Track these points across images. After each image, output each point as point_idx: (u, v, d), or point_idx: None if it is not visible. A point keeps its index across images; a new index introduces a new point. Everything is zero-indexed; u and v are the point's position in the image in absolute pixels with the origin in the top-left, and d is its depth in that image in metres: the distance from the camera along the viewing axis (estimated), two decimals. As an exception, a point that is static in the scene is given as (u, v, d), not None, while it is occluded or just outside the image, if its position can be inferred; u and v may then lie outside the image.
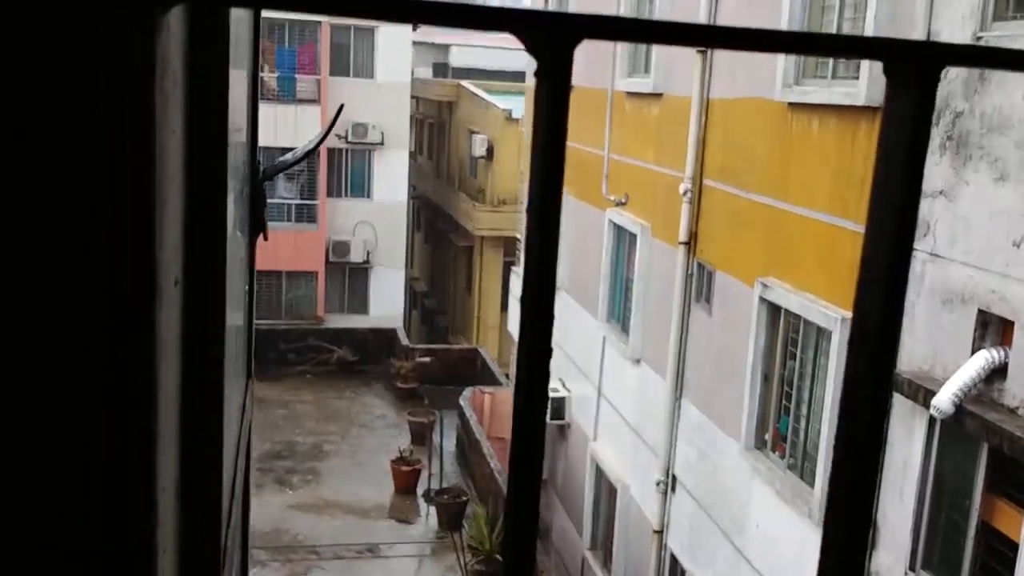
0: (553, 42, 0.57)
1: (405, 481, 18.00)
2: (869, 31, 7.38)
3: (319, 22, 25.42)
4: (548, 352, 0.59)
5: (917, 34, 6.88)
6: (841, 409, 0.64)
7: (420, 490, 18.04)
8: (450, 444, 19.58)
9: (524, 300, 0.58)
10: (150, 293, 0.52)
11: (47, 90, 0.47)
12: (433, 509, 17.19)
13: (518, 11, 0.56)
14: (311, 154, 3.11)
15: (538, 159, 0.57)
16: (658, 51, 11.56)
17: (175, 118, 0.64)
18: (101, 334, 0.50)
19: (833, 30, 8.21)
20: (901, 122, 0.62)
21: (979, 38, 6.40)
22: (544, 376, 0.59)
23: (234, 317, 1.42)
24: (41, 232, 0.48)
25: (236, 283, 1.36)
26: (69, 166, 0.49)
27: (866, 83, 7.42)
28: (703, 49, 10.28)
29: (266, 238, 1.68)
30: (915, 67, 0.62)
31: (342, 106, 2.79)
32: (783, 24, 8.62)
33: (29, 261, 0.49)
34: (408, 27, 26.89)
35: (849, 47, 0.64)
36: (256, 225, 1.59)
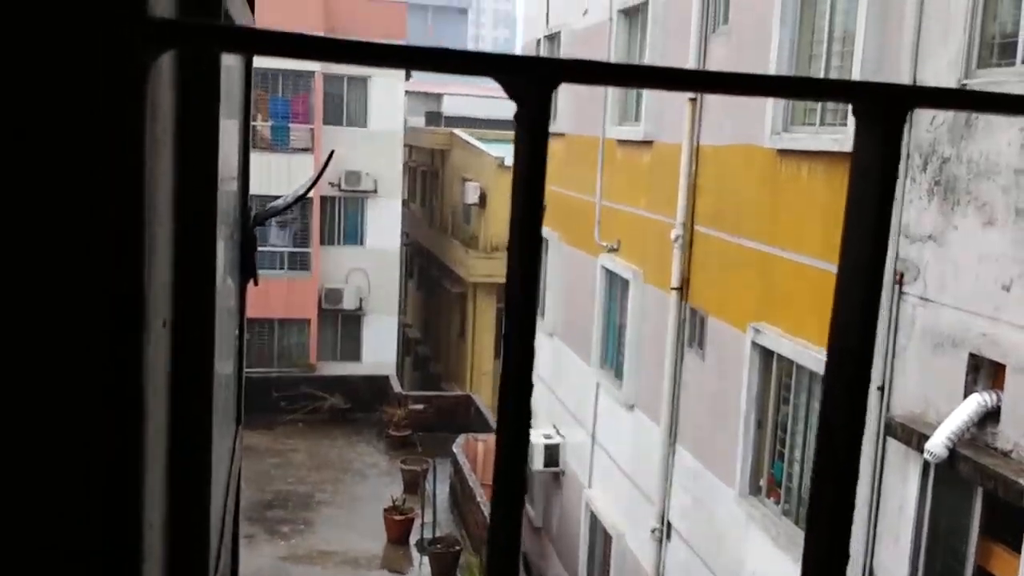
0: (531, 85, 0.59)
1: (398, 531, 17.81)
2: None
3: (312, 72, 25.69)
4: (529, 387, 0.60)
5: (902, 82, 6.99)
6: (817, 446, 0.65)
7: (413, 540, 17.83)
8: (443, 492, 19.41)
9: (506, 338, 0.59)
10: (138, 331, 0.53)
11: (36, 131, 0.49)
12: (426, 559, 16.98)
13: (497, 56, 0.58)
14: (301, 199, 3.13)
15: (518, 199, 0.58)
16: (648, 99, 11.70)
17: (165, 162, 0.66)
18: (88, 367, 0.50)
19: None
20: (870, 162, 0.64)
21: (964, 84, 6.50)
22: (526, 410, 0.60)
23: (224, 361, 1.42)
24: (29, 268, 0.49)
25: (226, 327, 1.36)
26: (58, 208, 0.50)
27: (853, 130, 7.50)
28: (693, 97, 10.44)
29: (256, 283, 1.69)
30: (882, 108, 0.64)
31: (332, 152, 2.82)
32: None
33: (12, 298, 0.50)
34: (401, 76, 27.17)
35: (819, 89, 0.66)
36: (247, 270, 1.60)
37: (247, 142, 1.85)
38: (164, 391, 0.73)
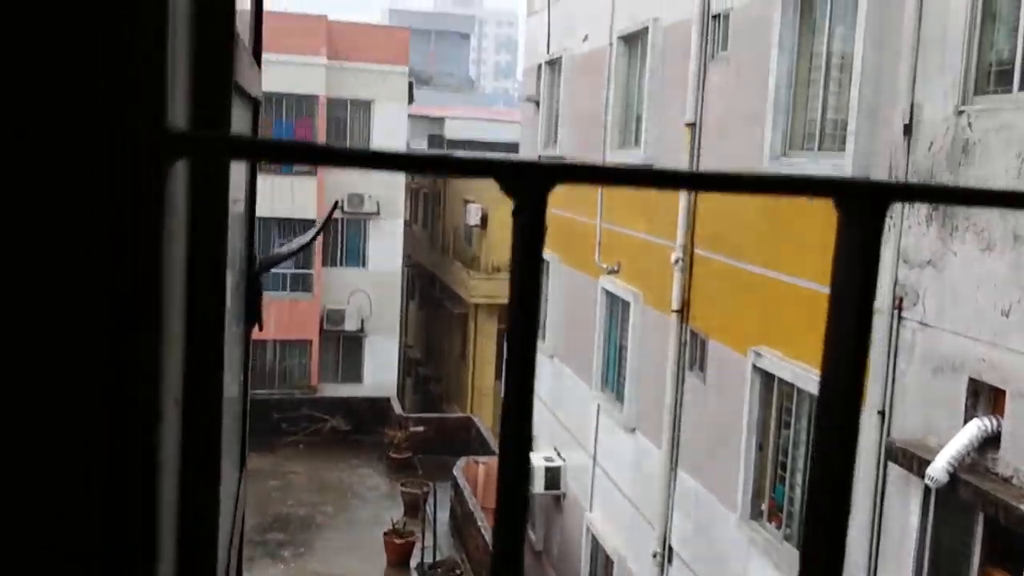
0: (530, 187, 0.62)
1: (398, 554, 17.74)
2: (853, 107, 7.55)
3: (316, 96, 25.82)
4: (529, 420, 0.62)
5: (900, 108, 7.04)
6: (812, 471, 0.67)
7: (413, 563, 17.76)
8: (444, 515, 19.35)
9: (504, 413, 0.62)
10: (155, 415, 0.56)
11: (60, 234, 0.52)
12: (427, 582, 16.90)
13: (497, 160, 0.61)
14: (305, 248, 3.17)
15: (514, 295, 0.61)
16: (649, 123, 11.77)
17: (178, 251, 0.69)
18: (105, 449, 0.53)
19: (818, 106, 8.39)
20: (852, 254, 0.67)
21: (961, 111, 6.55)
22: (527, 438, 0.63)
23: (228, 412, 1.45)
24: (55, 361, 0.51)
25: (232, 376, 1.39)
26: (79, 304, 0.53)
27: (852, 155, 7.56)
28: (692, 121, 10.51)
29: (261, 328, 1.72)
30: (864, 203, 0.67)
31: (337, 202, 2.86)
32: (769, 102, 8.81)
33: (32, 385, 0.52)
34: (404, 100, 27.33)
35: (801, 186, 0.69)
36: (251, 317, 1.63)
37: (254, 187, 1.89)
38: (175, 465, 0.75)
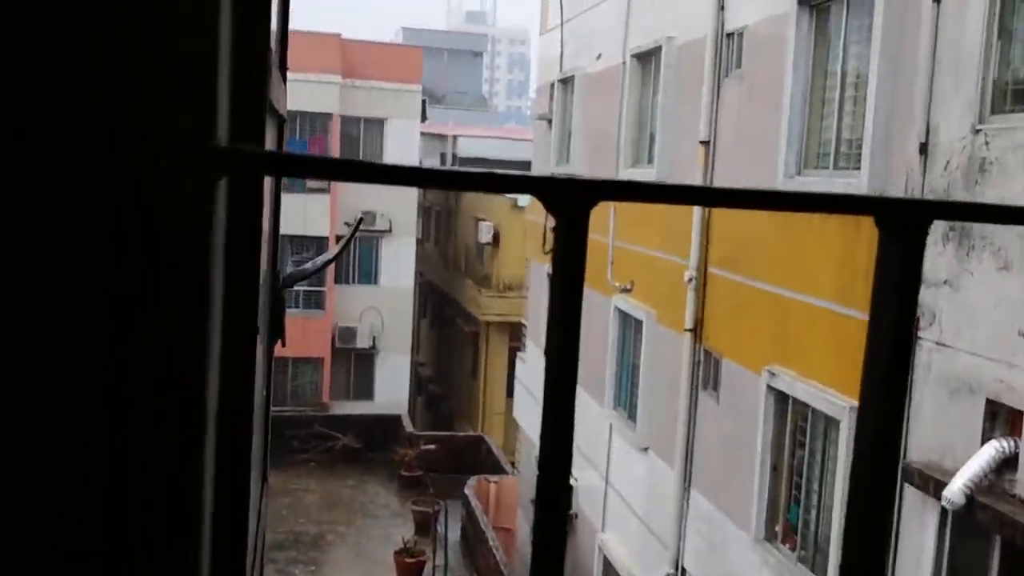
0: (572, 203, 0.62)
1: (409, 573, 17.67)
2: (868, 126, 7.54)
3: (330, 114, 25.97)
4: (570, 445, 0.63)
5: (916, 127, 7.03)
6: (849, 505, 0.67)
7: (425, 582, 17.68)
8: (455, 535, 19.27)
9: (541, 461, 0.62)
10: (200, 432, 0.56)
11: (116, 248, 0.52)
12: (438, 601, 16.83)
13: (541, 178, 0.61)
14: (330, 264, 3.18)
15: (556, 313, 0.61)
16: (662, 141, 11.78)
17: (218, 266, 0.69)
18: (150, 464, 0.53)
19: (833, 125, 8.38)
20: (893, 271, 0.67)
21: (978, 130, 6.53)
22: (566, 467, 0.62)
23: (253, 428, 1.45)
24: (104, 375, 0.52)
25: (256, 397, 1.39)
26: (129, 318, 0.53)
27: (867, 174, 7.55)
28: (706, 139, 10.51)
29: (284, 344, 1.72)
30: (906, 221, 0.67)
31: (361, 218, 2.88)
32: (783, 120, 8.80)
33: (80, 396, 0.53)
34: (417, 118, 27.47)
35: (842, 204, 0.69)
36: (275, 333, 1.63)
37: (278, 205, 1.89)
38: (210, 477, 0.75)
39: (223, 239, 0.72)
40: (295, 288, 26.42)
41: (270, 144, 1.49)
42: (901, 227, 0.67)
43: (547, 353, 0.65)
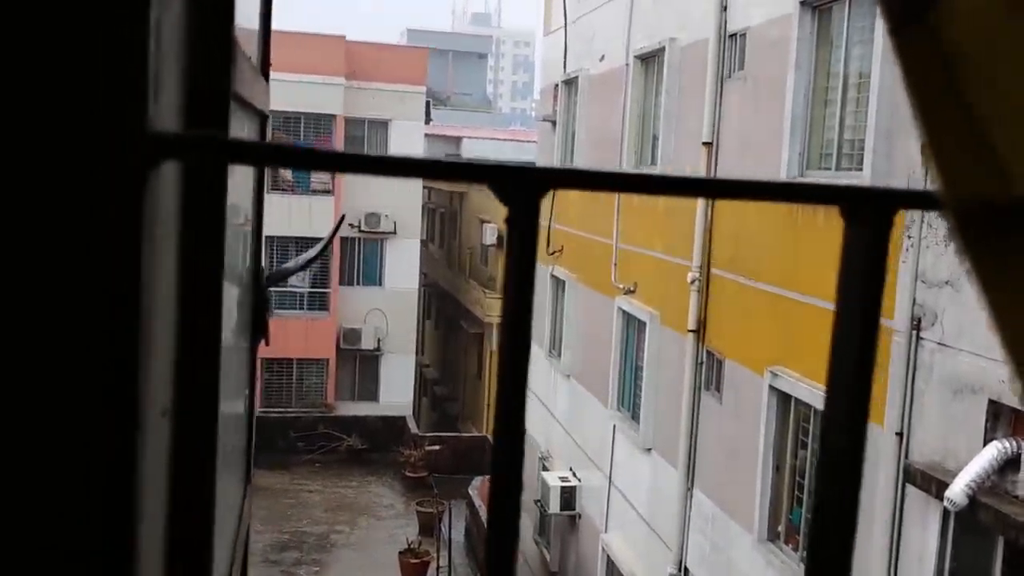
0: (521, 192, 0.60)
1: (413, 574, 17.67)
2: (871, 126, 7.51)
3: (333, 116, 25.99)
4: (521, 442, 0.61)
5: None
6: (816, 496, 0.65)
7: (429, 583, 17.68)
8: (459, 535, 19.27)
9: (496, 435, 0.60)
10: (133, 428, 0.54)
11: (36, 237, 0.51)
12: (442, 602, 16.82)
13: (489, 164, 0.60)
14: (313, 262, 3.18)
15: (508, 295, 0.60)
16: (665, 142, 11.77)
17: (166, 259, 0.68)
18: (82, 458, 0.52)
19: (835, 125, 8.35)
20: (858, 262, 0.65)
21: (979, 131, 6.50)
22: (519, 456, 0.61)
23: (231, 425, 1.43)
24: (29, 367, 0.50)
25: (232, 392, 1.38)
26: (53, 309, 0.52)
27: (870, 173, 7.52)
28: (709, 140, 10.49)
29: (267, 343, 1.71)
30: (871, 210, 0.65)
31: (343, 216, 2.87)
32: (786, 120, 8.78)
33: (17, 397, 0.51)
34: (421, 119, 27.46)
35: (807, 194, 0.67)
36: (258, 332, 1.62)
37: (261, 200, 1.88)
38: (164, 479, 0.74)
39: (176, 230, 0.71)
40: (299, 290, 26.47)
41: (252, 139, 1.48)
42: (866, 217, 0.66)
43: (499, 346, 0.63)
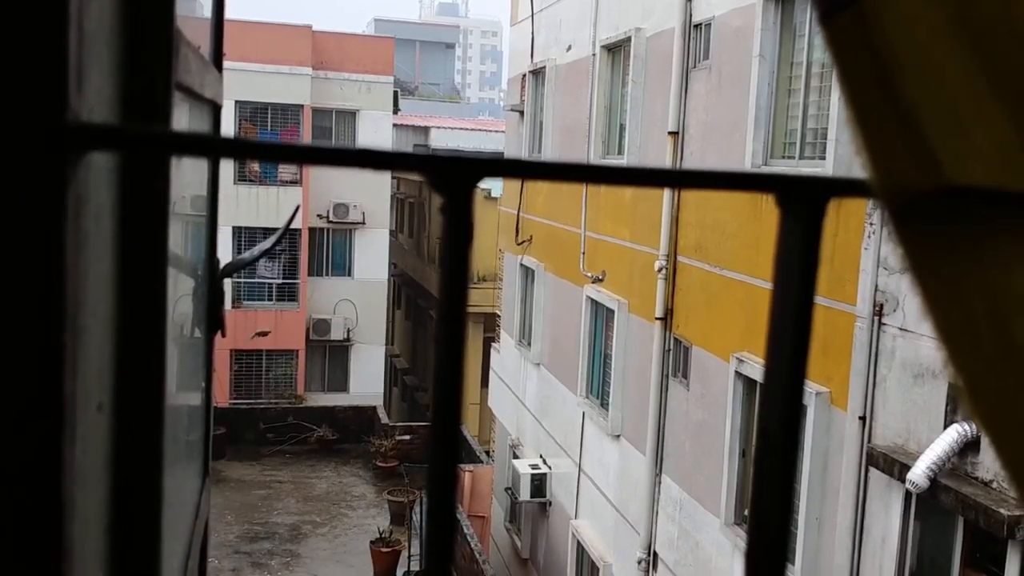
0: (456, 181, 0.61)
1: (385, 563, 17.67)
2: (834, 116, 7.58)
3: (301, 105, 25.80)
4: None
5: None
6: (754, 477, 0.66)
7: (400, 572, 17.69)
8: (431, 524, 19.23)
9: (433, 420, 0.60)
10: (59, 426, 0.54)
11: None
12: (413, 592, 16.84)
13: (422, 156, 0.60)
14: (268, 254, 3.16)
15: (444, 292, 0.60)
16: (632, 132, 11.80)
17: (97, 251, 0.67)
18: (6, 480, 0.51)
19: (799, 115, 8.42)
20: (793, 248, 0.66)
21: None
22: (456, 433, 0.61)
23: (185, 416, 1.42)
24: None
25: (185, 383, 1.37)
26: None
27: (832, 162, 7.59)
28: (675, 130, 10.53)
29: (223, 335, 1.70)
30: (805, 198, 0.66)
31: (298, 207, 2.86)
32: (751, 110, 8.83)
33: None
34: (389, 109, 27.33)
35: (741, 182, 0.68)
36: (214, 324, 1.61)
37: (216, 188, 1.87)
38: (101, 473, 0.73)
39: (110, 222, 0.70)
40: (268, 281, 26.28)
41: (200, 131, 1.46)
42: (800, 205, 0.67)
43: (436, 338, 0.64)
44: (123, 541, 0.77)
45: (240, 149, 0.55)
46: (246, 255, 2.27)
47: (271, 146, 0.57)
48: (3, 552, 0.51)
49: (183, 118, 1.14)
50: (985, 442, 5.97)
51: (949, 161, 0.49)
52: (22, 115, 0.48)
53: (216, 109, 1.60)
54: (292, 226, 24.86)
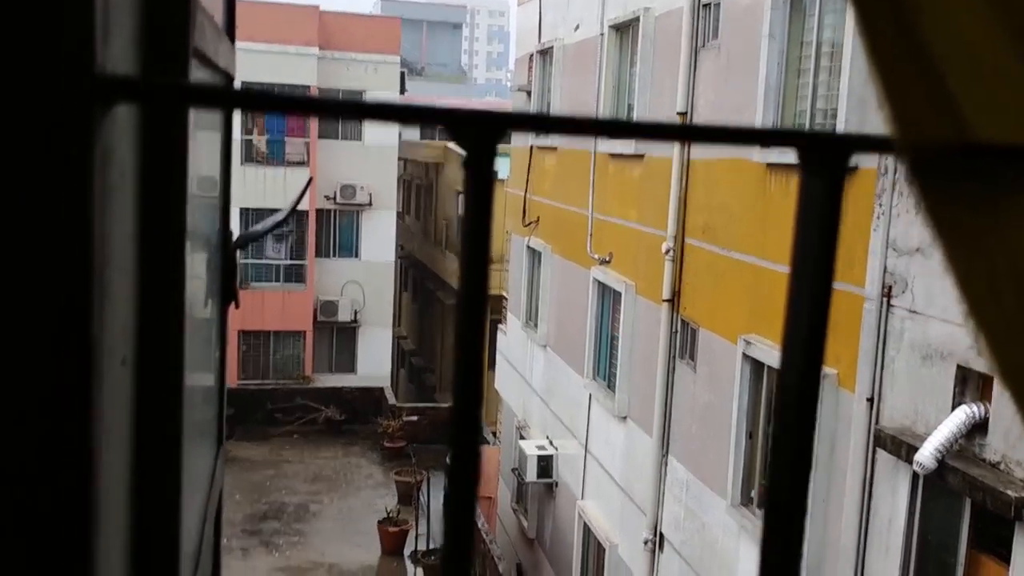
0: (478, 135, 0.61)
1: (392, 542, 17.78)
2: (843, 96, 7.54)
3: (307, 87, 25.74)
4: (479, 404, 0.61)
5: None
6: (773, 445, 0.66)
7: (407, 551, 17.80)
8: (437, 504, 19.35)
9: (455, 383, 0.61)
10: (87, 377, 0.54)
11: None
12: (420, 570, 16.94)
13: (445, 109, 0.60)
14: (280, 225, 3.18)
15: (466, 244, 0.60)
16: (640, 112, 11.75)
17: (123, 205, 0.67)
18: (37, 418, 0.52)
19: (808, 95, 8.37)
20: (814, 207, 0.66)
21: (950, 99, 6.54)
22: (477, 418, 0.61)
23: (200, 385, 1.43)
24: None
25: (201, 353, 1.38)
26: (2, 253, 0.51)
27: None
28: (683, 111, 10.49)
29: (237, 306, 1.71)
30: (826, 155, 0.66)
31: (311, 179, 2.86)
32: (759, 90, 8.79)
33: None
34: (396, 91, 27.26)
35: (763, 137, 0.68)
36: (228, 295, 1.62)
37: (228, 163, 1.87)
38: (124, 429, 0.74)
39: (135, 177, 0.70)
40: (275, 263, 26.31)
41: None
42: (822, 161, 0.67)
43: (456, 299, 0.64)
44: (144, 490, 0.78)
45: (261, 102, 0.55)
46: (259, 226, 2.29)
47: (293, 99, 0.57)
48: (36, 477, 0.52)
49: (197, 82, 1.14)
50: (993, 423, 5.97)
51: (971, 115, 0.49)
52: (53, 66, 0.48)
53: (229, 79, 1.60)
54: (299, 208, 24.88)
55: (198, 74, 1.07)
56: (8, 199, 0.51)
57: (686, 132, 0.66)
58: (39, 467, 0.51)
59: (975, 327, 0.56)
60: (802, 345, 0.68)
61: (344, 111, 0.61)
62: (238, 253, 1.78)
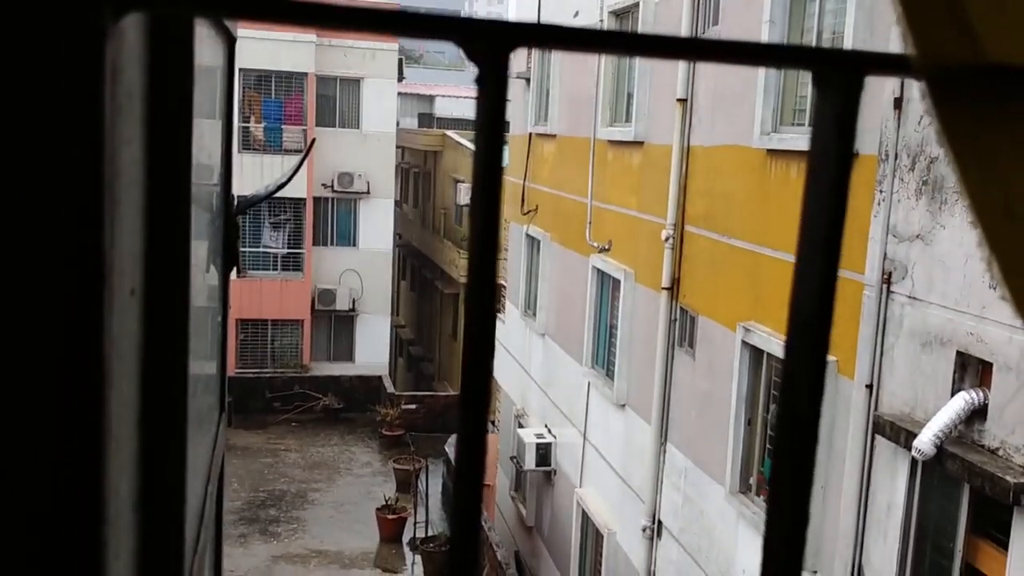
0: (490, 47, 0.60)
1: (391, 529, 17.81)
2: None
3: (305, 73, 25.68)
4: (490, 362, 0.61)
5: (891, 82, 7.02)
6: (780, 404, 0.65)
7: (406, 538, 17.83)
8: (436, 491, 19.40)
9: (467, 306, 0.60)
10: (99, 298, 0.53)
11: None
12: (419, 558, 16.98)
13: (456, 18, 0.59)
14: (282, 187, 3.17)
15: (478, 162, 0.59)
16: (640, 100, 11.72)
17: (130, 128, 0.66)
18: (49, 340, 0.51)
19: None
20: (828, 127, 0.65)
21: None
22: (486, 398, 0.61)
23: (205, 345, 1.43)
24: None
25: (207, 309, 1.37)
26: (11, 169, 0.50)
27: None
28: (683, 97, 10.46)
29: (239, 272, 1.70)
30: (840, 73, 0.65)
31: (313, 140, 2.85)
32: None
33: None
34: (394, 78, 27.18)
35: (777, 56, 0.67)
36: (230, 258, 1.61)
37: (229, 132, 1.86)
38: (133, 358, 0.73)
39: (141, 95, 0.69)
40: (273, 251, 26.27)
41: (216, 61, 1.45)
42: (837, 79, 0.65)
43: (471, 218, 0.63)
44: (152, 427, 0.77)
45: (285, 10, 0.54)
46: (260, 190, 2.28)
47: (315, 7, 0.56)
48: (48, 393, 0.51)
49: (203, 44, 1.13)
50: (992, 410, 5.97)
51: (987, 35, 0.48)
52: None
53: (231, 42, 1.59)
54: (296, 195, 24.83)
55: (202, 31, 1.06)
56: (18, 108, 0.50)
57: (703, 48, 0.65)
58: (53, 395, 0.50)
59: (989, 252, 0.55)
60: (818, 270, 0.67)
61: (355, 22, 0.59)
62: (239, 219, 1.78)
